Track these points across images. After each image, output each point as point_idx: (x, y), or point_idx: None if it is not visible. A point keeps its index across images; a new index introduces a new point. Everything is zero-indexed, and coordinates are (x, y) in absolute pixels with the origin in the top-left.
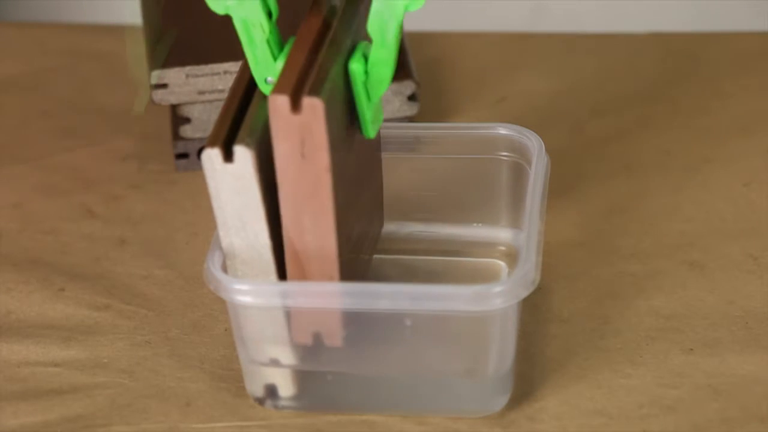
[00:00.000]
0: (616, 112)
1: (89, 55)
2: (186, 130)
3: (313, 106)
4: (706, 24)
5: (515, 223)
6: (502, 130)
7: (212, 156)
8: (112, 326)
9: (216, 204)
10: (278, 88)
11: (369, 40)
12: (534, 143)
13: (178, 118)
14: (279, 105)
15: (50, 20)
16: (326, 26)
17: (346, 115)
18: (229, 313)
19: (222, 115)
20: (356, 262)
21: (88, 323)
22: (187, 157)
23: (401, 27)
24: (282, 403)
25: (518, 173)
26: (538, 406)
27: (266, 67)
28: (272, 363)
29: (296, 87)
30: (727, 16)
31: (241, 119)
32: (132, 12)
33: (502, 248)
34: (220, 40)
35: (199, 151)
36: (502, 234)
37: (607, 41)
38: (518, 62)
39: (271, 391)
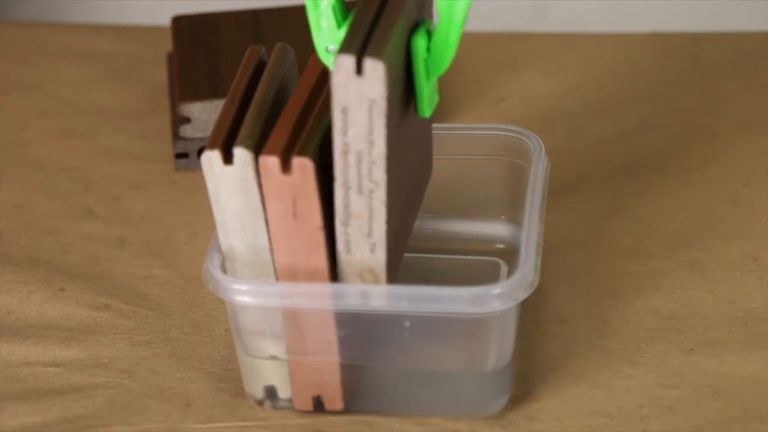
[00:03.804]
0: (616, 112)
1: (89, 55)
2: (186, 130)
3: (303, 165)
4: (706, 24)
5: (515, 223)
6: (502, 130)
7: (212, 158)
8: (112, 326)
9: (215, 206)
10: (268, 149)
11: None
12: (534, 144)
13: (178, 118)
14: (269, 166)
15: (50, 20)
16: (323, 80)
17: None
18: (228, 314)
19: (221, 117)
20: None
21: (88, 323)
22: (187, 157)
23: (469, 6)
24: (281, 404)
25: (518, 174)
26: (538, 407)
27: (329, 34)
28: (271, 360)
29: (286, 147)
30: (727, 16)
31: (241, 121)
32: None
33: (501, 246)
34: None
35: (200, 151)
36: (501, 233)
37: (607, 41)
38: (518, 62)
39: (271, 393)
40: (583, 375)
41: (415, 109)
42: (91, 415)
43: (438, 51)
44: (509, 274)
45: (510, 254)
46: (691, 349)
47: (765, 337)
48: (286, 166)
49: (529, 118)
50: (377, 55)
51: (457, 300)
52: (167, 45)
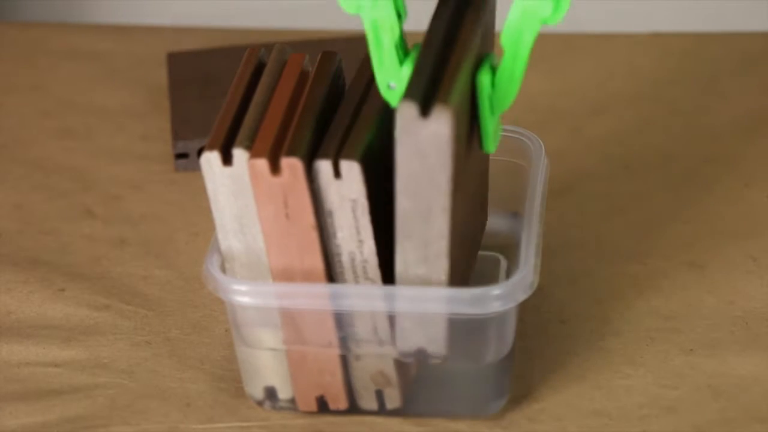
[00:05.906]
0: (616, 112)
1: (89, 55)
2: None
3: (292, 165)
4: (706, 24)
5: (514, 224)
6: (502, 130)
7: (211, 159)
8: (112, 326)
9: (214, 207)
10: (255, 152)
11: (491, 50)
12: (534, 144)
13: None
14: (258, 168)
15: (50, 20)
16: (301, 86)
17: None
18: (227, 314)
19: (221, 117)
20: None
21: (88, 323)
22: (187, 157)
23: (535, 40)
24: (281, 404)
25: (518, 174)
26: (538, 407)
27: (391, 71)
28: (271, 360)
29: (273, 148)
30: (727, 16)
31: (240, 122)
32: None
33: (501, 240)
34: None
35: (199, 152)
36: (500, 233)
37: (607, 41)
38: None
39: (270, 393)
40: (583, 375)
41: (480, 144)
42: (91, 415)
43: (503, 86)
44: (509, 270)
45: (511, 256)
46: (691, 349)
47: (765, 337)
48: (275, 168)
49: (529, 118)
50: (352, 155)
51: (457, 301)
52: (167, 45)
